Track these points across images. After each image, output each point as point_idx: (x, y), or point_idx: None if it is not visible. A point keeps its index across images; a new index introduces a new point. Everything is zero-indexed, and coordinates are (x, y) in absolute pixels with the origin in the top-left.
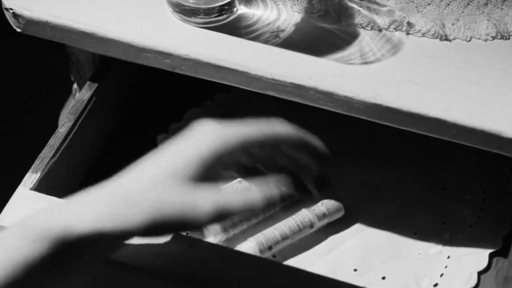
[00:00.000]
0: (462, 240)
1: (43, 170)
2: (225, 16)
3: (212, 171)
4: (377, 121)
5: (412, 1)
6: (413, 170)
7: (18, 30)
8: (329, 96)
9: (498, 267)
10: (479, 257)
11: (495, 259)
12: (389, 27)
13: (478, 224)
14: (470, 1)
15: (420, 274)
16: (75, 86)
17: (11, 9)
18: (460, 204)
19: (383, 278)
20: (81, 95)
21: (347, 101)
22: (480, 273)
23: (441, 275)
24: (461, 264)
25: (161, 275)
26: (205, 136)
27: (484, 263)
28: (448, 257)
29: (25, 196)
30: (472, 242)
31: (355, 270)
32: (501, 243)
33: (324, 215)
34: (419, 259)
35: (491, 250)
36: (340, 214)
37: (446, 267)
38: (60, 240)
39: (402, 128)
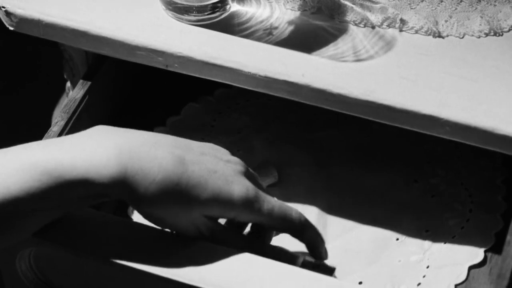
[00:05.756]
0: (443, 251)
1: None
2: (218, 13)
3: None
4: (370, 118)
5: None
6: (405, 175)
7: (11, 28)
8: (322, 93)
9: (492, 264)
10: (458, 269)
11: (489, 255)
12: (382, 24)
13: (461, 235)
14: None
15: (397, 281)
16: (68, 84)
17: (3, 7)
18: (447, 214)
19: (360, 282)
20: (74, 93)
21: (341, 98)
22: (457, 285)
23: (418, 284)
24: (439, 275)
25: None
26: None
27: (462, 276)
28: (428, 267)
29: None
30: (453, 253)
31: None
32: (482, 256)
33: None
34: (398, 266)
35: (470, 263)
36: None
37: (424, 276)
38: (62, 180)
39: (396, 125)
